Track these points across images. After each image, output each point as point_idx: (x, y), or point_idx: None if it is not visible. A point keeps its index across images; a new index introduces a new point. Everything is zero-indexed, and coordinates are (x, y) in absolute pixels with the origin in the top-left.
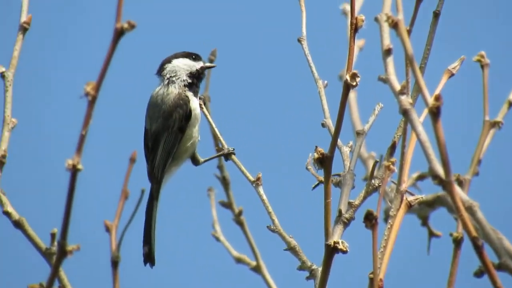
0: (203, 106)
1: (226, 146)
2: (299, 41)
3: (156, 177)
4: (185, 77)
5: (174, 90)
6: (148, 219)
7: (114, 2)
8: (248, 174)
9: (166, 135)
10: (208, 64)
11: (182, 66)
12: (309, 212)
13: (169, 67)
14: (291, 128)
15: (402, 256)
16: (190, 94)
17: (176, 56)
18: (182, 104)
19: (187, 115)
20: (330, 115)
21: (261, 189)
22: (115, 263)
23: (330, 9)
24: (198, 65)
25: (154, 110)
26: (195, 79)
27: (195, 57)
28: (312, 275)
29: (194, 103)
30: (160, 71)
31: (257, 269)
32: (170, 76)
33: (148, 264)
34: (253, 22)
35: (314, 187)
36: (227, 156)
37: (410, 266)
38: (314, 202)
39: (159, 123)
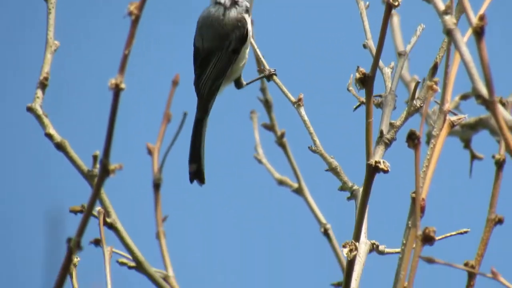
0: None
1: (268, 67)
2: None
3: (202, 94)
4: (244, 5)
5: (234, 12)
6: (196, 135)
7: None
8: (289, 95)
9: (219, 54)
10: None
11: None
12: (350, 133)
13: None
14: (333, 49)
15: (444, 178)
16: (246, 16)
17: None
18: (240, 26)
19: (244, 37)
20: (372, 36)
21: (302, 110)
22: (157, 186)
23: None
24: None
25: (209, 30)
26: (247, 10)
27: None
28: (353, 195)
29: (250, 26)
30: None
31: (298, 191)
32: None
33: (196, 182)
34: None
35: (355, 108)
36: (269, 77)
37: (452, 188)
38: (355, 123)
39: (214, 42)
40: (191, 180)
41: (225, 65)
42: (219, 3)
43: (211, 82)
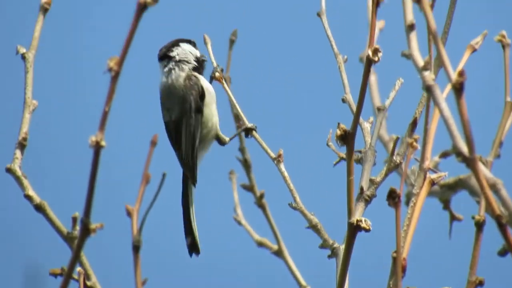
0: (222, 79)
1: (247, 123)
2: (318, 15)
3: (188, 164)
4: (193, 62)
5: (182, 74)
6: (185, 207)
7: None
8: (269, 151)
9: (185, 119)
10: (203, 56)
11: (189, 50)
12: (330, 189)
13: (178, 50)
14: (311, 103)
15: (424, 239)
16: (197, 74)
17: (182, 40)
18: (193, 84)
19: (201, 94)
20: (350, 91)
21: (282, 166)
22: (136, 248)
23: None
24: (198, 52)
25: (169, 99)
26: (199, 65)
27: (195, 44)
28: (333, 253)
29: (205, 82)
30: (167, 53)
31: (278, 253)
32: (180, 59)
33: (193, 254)
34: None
35: (335, 164)
36: (249, 132)
37: (432, 248)
38: (334, 179)
39: (177, 110)
40: (190, 253)
41: (195, 127)
42: (167, 70)
43: (191, 149)
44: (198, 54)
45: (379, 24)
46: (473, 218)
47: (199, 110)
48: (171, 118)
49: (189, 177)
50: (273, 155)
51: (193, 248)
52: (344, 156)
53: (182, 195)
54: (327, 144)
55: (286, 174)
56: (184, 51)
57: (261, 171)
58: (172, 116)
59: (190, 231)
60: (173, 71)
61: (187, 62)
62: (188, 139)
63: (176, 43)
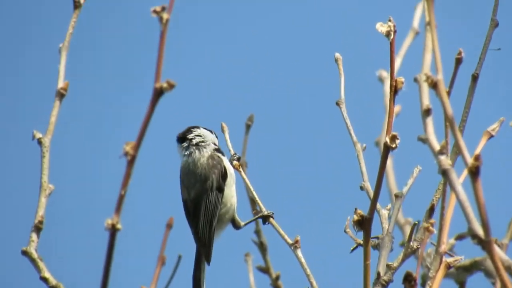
0: (239, 167)
1: (264, 209)
2: (337, 104)
3: (203, 241)
4: (212, 144)
5: (205, 153)
6: (196, 283)
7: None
8: (286, 237)
9: (206, 197)
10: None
11: (208, 135)
12: (347, 275)
13: (197, 131)
14: (329, 191)
15: None
16: (220, 155)
17: (201, 127)
18: (216, 164)
19: (223, 174)
20: (368, 178)
21: (299, 252)
22: None
23: (367, 75)
24: (216, 139)
25: (190, 178)
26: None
27: (213, 132)
28: None
29: (227, 162)
30: (186, 135)
31: None
32: (200, 141)
33: None
34: (292, 86)
35: (352, 250)
36: (266, 219)
37: None
38: (351, 265)
39: (197, 188)
40: None
41: (214, 205)
42: (189, 151)
43: (209, 226)
44: (216, 142)
45: (396, 108)
46: None
47: (221, 189)
48: (190, 196)
49: (203, 255)
50: (290, 241)
51: None
52: (361, 242)
53: (194, 270)
54: (345, 231)
55: (303, 260)
56: (203, 133)
57: (277, 257)
58: (191, 193)
59: None
60: (196, 151)
61: (207, 144)
62: (206, 216)
63: (195, 126)
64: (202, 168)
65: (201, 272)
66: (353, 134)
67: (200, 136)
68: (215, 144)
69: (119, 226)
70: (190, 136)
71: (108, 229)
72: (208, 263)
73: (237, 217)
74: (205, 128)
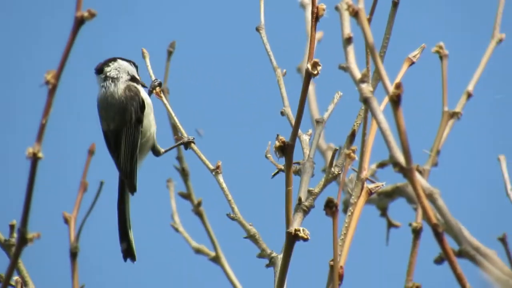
0: (160, 93)
1: (185, 135)
2: (257, 29)
3: (125, 172)
4: (129, 75)
5: (121, 85)
6: (121, 214)
7: None
8: (208, 163)
9: (125, 129)
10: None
11: (126, 67)
12: (268, 200)
13: (114, 65)
14: (249, 116)
15: (361, 246)
16: (136, 85)
17: (120, 58)
18: (134, 96)
19: (142, 105)
20: (290, 104)
21: (220, 178)
22: (74, 255)
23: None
24: (135, 72)
25: (108, 110)
26: (135, 80)
27: (135, 65)
28: (271, 262)
29: (144, 93)
30: (103, 67)
31: (216, 260)
32: (117, 73)
33: (129, 260)
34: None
35: (274, 175)
36: (187, 145)
37: (370, 256)
38: (272, 190)
39: (116, 120)
40: (125, 259)
41: (134, 137)
42: (106, 83)
43: (130, 157)
44: (135, 72)
45: (317, 35)
46: (410, 225)
47: (140, 120)
48: (110, 128)
49: (127, 185)
50: (211, 166)
51: (128, 253)
52: (283, 167)
53: (118, 201)
54: (266, 156)
55: (224, 185)
56: (120, 66)
57: (199, 182)
58: (110, 125)
59: (126, 236)
60: (111, 84)
61: (122, 76)
62: (127, 147)
63: (113, 59)
64: (120, 101)
65: (125, 204)
66: (273, 60)
67: (117, 69)
68: (133, 75)
69: (40, 155)
70: (107, 69)
71: (30, 157)
72: (132, 193)
73: (157, 145)
74: (124, 59)
